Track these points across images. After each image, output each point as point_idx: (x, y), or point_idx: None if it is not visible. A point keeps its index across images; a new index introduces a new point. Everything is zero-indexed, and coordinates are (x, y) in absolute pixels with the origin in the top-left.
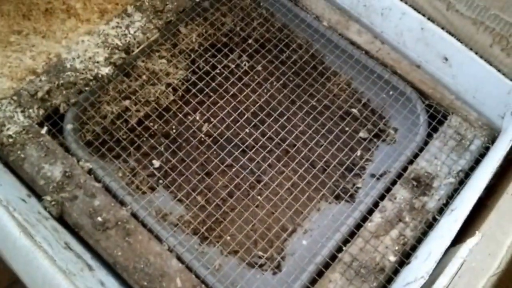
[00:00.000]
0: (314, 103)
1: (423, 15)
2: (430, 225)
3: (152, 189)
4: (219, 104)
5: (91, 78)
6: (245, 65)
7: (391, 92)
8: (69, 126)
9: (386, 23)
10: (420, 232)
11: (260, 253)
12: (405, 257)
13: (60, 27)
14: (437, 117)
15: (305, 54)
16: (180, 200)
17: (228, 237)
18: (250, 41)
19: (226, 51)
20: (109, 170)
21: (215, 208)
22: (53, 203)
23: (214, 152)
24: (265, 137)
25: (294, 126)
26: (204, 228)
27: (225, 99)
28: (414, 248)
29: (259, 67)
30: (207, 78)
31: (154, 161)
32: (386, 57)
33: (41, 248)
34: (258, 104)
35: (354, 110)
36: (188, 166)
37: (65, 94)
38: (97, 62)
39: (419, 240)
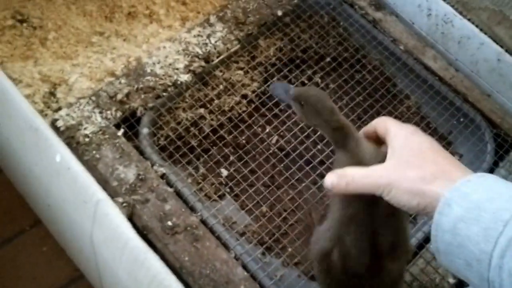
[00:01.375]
0: None
1: (501, 46)
2: None
3: (221, 197)
4: (292, 119)
5: (170, 84)
6: (320, 82)
7: (461, 119)
8: (145, 130)
9: (462, 52)
10: None
11: None
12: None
13: (142, 31)
14: (504, 146)
15: (379, 76)
16: (248, 210)
17: (292, 249)
18: (327, 59)
19: (303, 67)
20: (181, 176)
21: (282, 220)
22: (124, 204)
23: (284, 165)
24: (334, 154)
25: None
26: (270, 239)
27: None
28: None
29: (333, 85)
30: None
31: (224, 170)
32: (459, 84)
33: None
34: None
35: None
36: (258, 178)
37: (143, 98)
38: (177, 68)
39: None
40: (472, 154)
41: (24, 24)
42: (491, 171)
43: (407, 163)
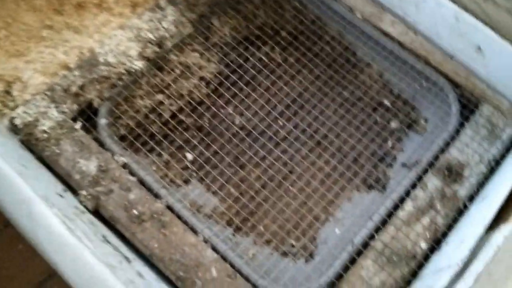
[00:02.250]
0: (346, 95)
1: (458, 5)
2: (461, 213)
3: (186, 182)
4: (252, 97)
5: (124, 72)
6: (277, 57)
7: (423, 83)
8: (103, 121)
9: (420, 14)
10: (451, 220)
11: (293, 242)
12: (436, 244)
13: (93, 21)
14: (469, 106)
15: (338, 46)
16: (214, 192)
17: (262, 227)
18: (283, 33)
19: (259, 44)
20: (144, 164)
21: (248, 199)
22: (89, 197)
23: (247, 145)
24: (298, 129)
25: (327, 118)
26: (238, 219)
27: (258, 91)
28: (445, 234)
29: (292, 60)
30: (240, 71)
31: (187, 154)
32: (419, 48)
33: (80, 240)
34: (291, 97)
35: (386, 101)
36: (222, 159)
37: (98, 89)
38: (130, 56)
39: (450, 227)
40: (437, 117)
41: None
42: (457, 132)
43: None
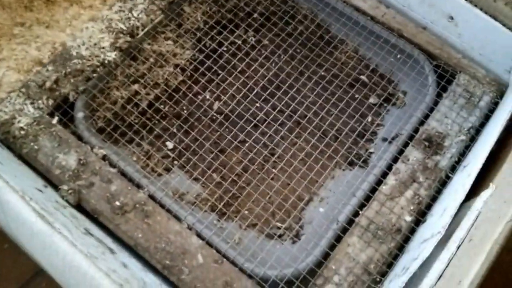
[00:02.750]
0: (322, 73)
1: None
2: (443, 183)
3: (168, 170)
4: (228, 81)
5: (98, 64)
6: (251, 40)
7: (398, 56)
8: (80, 114)
9: None
10: (434, 191)
11: (278, 224)
12: (420, 216)
13: (63, 15)
14: (445, 76)
15: (310, 25)
16: (196, 179)
17: (246, 211)
18: (255, 15)
19: (231, 27)
20: (123, 155)
21: (231, 183)
22: (70, 191)
23: (227, 129)
24: (276, 110)
25: (304, 97)
26: (222, 204)
27: (233, 75)
28: (429, 206)
29: (265, 41)
30: (215, 56)
31: (167, 143)
32: (392, 21)
33: (59, 231)
34: (267, 78)
35: (363, 77)
36: (202, 145)
37: (73, 83)
38: (103, 47)
39: (433, 199)
40: (414, 89)
41: None
42: (435, 103)
43: None
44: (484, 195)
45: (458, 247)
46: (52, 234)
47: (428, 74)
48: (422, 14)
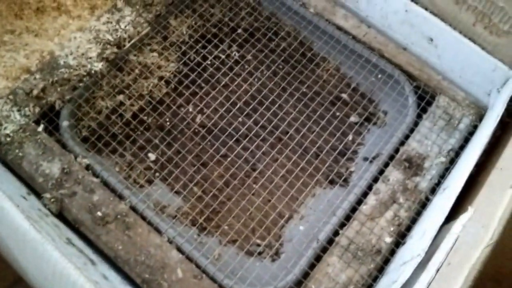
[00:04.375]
0: (304, 90)
1: None
2: (423, 205)
3: (150, 182)
4: (211, 95)
5: (85, 74)
6: (235, 55)
7: (379, 76)
8: (65, 123)
9: (371, 7)
10: (414, 212)
11: (258, 241)
12: (400, 238)
13: (52, 25)
14: (425, 98)
15: (293, 42)
16: (177, 192)
17: (226, 227)
18: (239, 30)
19: (216, 41)
20: (107, 165)
21: (212, 198)
22: (52, 200)
23: (209, 143)
24: (258, 126)
25: (286, 113)
26: (202, 218)
27: (217, 89)
28: (409, 228)
29: (249, 57)
30: (199, 69)
31: (150, 154)
32: (373, 40)
33: (49, 240)
34: (249, 93)
35: (344, 95)
36: (184, 158)
37: (59, 91)
38: (90, 58)
39: (413, 220)
40: (394, 109)
41: None
42: (415, 124)
43: None
44: (463, 218)
45: (437, 270)
46: (44, 242)
47: (409, 95)
48: (402, 34)
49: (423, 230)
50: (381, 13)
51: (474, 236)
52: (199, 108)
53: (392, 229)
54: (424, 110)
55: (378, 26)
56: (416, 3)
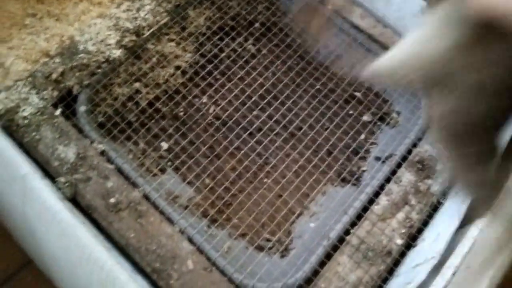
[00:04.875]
0: (319, 86)
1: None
2: (435, 208)
3: (162, 171)
4: (226, 87)
5: (103, 60)
6: (251, 48)
7: None
8: (82, 108)
9: (388, 7)
10: (426, 215)
11: (268, 236)
12: (411, 240)
13: (73, 10)
14: None
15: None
16: (189, 182)
17: (237, 220)
18: (256, 24)
19: (233, 34)
20: (121, 152)
21: (223, 190)
22: (66, 184)
23: (222, 134)
24: (272, 120)
25: (300, 109)
26: (214, 210)
27: (232, 82)
28: (420, 231)
29: (265, 51)
30: (215, 61)
31: (163, 143)
32: (389, 41)
33: (81, 222)
34: (264, 87)
35: (358, 94)
36: (197, 148)
37: (78, 76)
38: (109, 44)
39: (425, 223)
40: (408, 110)
41: None
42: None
43: None
44: (480, 222)
45: (454, 274)
46: (75, 224)
47: (422, 97)
48: None
49: (436, 233)
50: (398, 14)
51: (496, 240)
52: (214, 99)
53: (403, 231)
54: None
55: (395, 27)
56: None
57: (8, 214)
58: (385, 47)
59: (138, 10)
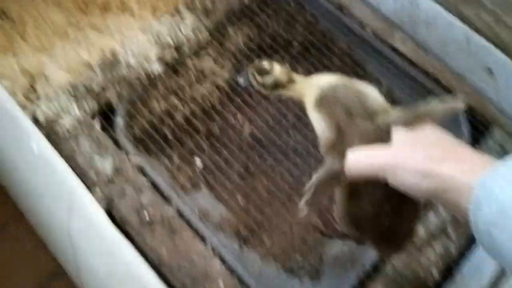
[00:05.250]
0: None
1: (469, 25)
2: (473, 240)
3: (196, 187)
4: (263, 105)
5: (143, 74)
6: (288, 67)
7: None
8: (120, 120)
9: (430, 33)
10: (464, 248)
11: (300, 259)
12: (448, 272)
13: (115, 22)
14: (479, 129)
15: (348, 60)
16: (222, 200)
17: (269, 241)
18: (295, 44)
19: (270, 52)
20: (156, 166)
21: (256, 209)
22: (102, 196)
23: (257, 153)
24: (308, 141)
25: None
26: (246, 230)
27: (269, 100)
28: (457, 263)
29: (302, 70)
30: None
31: (197, 160)
32: (429, 66)
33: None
34: (301, 107)
35: None
36: (231, 166)
37: (117, 89)
38: (149, 58)
39: (462, 255)
40: None
41: (5, 19)
42: None
43: (413, 145)
44: None
45: None
46: (120, 240)
47: (463, 124)
48: (460, 63)
49: (475, 267)
50: (440, 40)
51: None
52: (249, 117)
53: (440, 262)
54: (477, 141)
55: (436, 53)
56: (479, 33)
57: (51, 227)
58: (426, 73)
59: (178, 25)
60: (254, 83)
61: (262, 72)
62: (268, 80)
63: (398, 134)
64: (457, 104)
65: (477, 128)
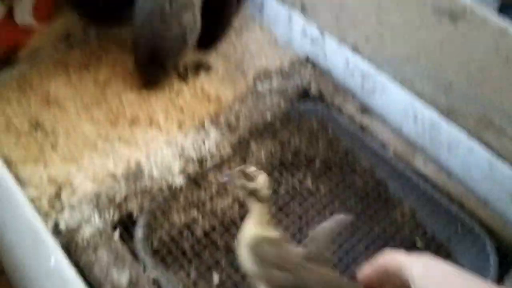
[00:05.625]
0: (378, 231)
1: (492, 153)
2: None
3: None
4: (284, 223)
5: (165, 187)
6: (310, 185)
7: (458, 227)
8: (139, 232)
9: (452, 157)
10: None
11: None
12: None
13: (142, 136)
14: (507, 258)
15: (370, 180)
16: None
17: None
18: (316, 162)
19: (292, 169)
20: (173, 281)
21: None
22: None
23: None
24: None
25: (359, 253)
26: None
27: (290, 218)
28: None
29: (324, 189)
30: (273, 196)
31: (215, 276)
32: (453, 190)
33: None
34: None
35: (420, 243)
36: (249, 284)
37: (140, 201)
38: (173, 172)
39: None
40: (474, 266)
41: (39, 130)
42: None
43: None
44: None
45: None
46: None
47: (490, 253)
48: (484, 188)
49: None
50: (463, 165)
51: None
52: None
53: None
54: (506, 271)
55: (459, 177)
56: (502, 158)
57: None
58: (449, 197)
59: (203, 140)
60: (237, 183)
61: (247, 176)
62: (249, 186)
63: (415, 276)
64: (341, 217)
65: (505, 257)
